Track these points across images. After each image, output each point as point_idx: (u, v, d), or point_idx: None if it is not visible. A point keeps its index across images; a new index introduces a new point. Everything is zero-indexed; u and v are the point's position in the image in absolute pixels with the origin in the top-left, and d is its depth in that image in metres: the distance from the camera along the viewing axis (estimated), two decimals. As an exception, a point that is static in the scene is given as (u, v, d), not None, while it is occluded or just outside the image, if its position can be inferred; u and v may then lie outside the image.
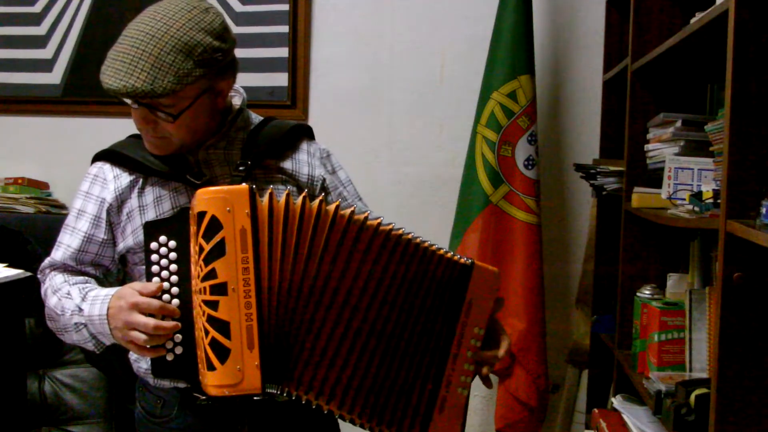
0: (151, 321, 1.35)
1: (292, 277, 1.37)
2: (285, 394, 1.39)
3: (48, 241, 1.60)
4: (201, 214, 1.36)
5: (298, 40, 2.99)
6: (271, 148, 1.59)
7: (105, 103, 3.06)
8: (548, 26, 2.89)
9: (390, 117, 3.00)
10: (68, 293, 1.49)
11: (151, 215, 1.52)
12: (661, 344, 1.92)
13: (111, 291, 1.44)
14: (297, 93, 3.00)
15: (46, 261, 1.57)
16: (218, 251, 1.35)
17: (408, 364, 1.44)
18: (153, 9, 1.45)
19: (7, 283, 2.00)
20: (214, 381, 1.35)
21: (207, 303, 1.35)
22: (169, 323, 1.36)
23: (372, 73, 3.00)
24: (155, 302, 1.37)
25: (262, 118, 1.67)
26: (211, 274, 1.35)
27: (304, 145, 1.65)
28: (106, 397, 2.56)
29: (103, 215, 1.54)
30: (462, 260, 1.47)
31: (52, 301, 1.51)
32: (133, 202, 1.53)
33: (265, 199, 1.37)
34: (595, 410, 2.22)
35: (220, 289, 1.35)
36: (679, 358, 1.91)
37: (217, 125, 1.57)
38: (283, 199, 1.37)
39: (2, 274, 2.01)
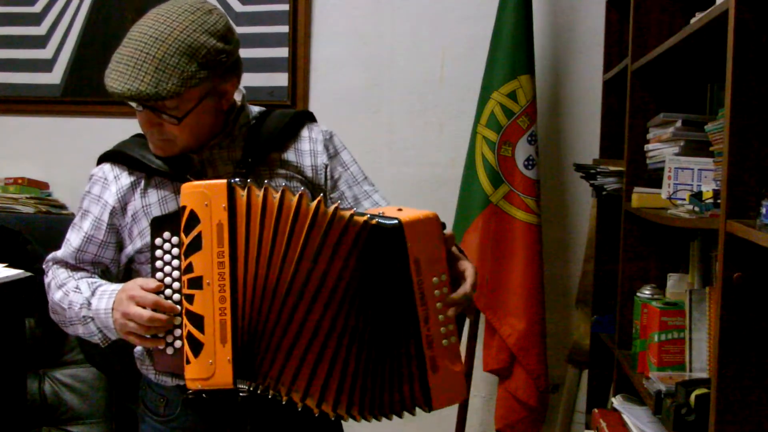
0: (146, 313, 1.38)
1: (268, 272, 1.36)
2: (255, 390, 1.39)
3: (48, 241, 1.61)
4: (182, 209, 1.38)
5: (298, 40, 2.99)
6: (271, 141, 1.58)
7: (105, 103, 3.07)
8: (548, 26, 2.89)
9: (390, 117, 3.00)
10: (77, 287, 1.51)
11: (156, 215, 1.52)
12: (661, 344, 1.92)
13: (118, 286, 1.47)
14: (297, 93, 3.00)
15: (51, 254, 1.60)
16: (195, 245, 1.37)
17: (383, 346, 1.39)
18: (156, 11, 1.45)
19: (7, 283, 2.00)
20: (189, 374, 1.37)
21: (186, 297, 1.37)
22: (162, 316, 1.38)
23: (372, 73, 3.00)
24: (150, 296, 1.39)
25: (261, 109, 1.65)
26: (189, 268, 1.37)
27: (306, 132, 1.63)
28: (106, 397, 2.56)
29: (105, 217, 1.55)
30: (390, 224, 1.38)
31: (57, 295, 1.53)
32: (136, 203, 1.54)
33: (244, 193, 1.37)
34: (595, 410, 2.22)
35: (196, 282, 1.37)
36: (679, 358, 1.91)
37: (221, 125, 1.56)
38: (261, 193, 1.36)
39: (2, 274, 2.01)
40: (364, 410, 1.40)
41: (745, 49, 1.34)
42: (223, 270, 1.36)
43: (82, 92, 3.13)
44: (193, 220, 1.37)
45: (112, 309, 1.43)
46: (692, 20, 1.75)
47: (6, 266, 2.08)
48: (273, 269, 1.36)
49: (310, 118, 1.67)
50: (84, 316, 1.48)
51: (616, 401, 2.12)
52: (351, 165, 1.67)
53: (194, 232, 1.37)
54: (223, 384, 1.36)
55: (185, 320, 1.37)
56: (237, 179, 1.40)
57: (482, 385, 2.95)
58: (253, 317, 1.37)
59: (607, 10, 2.78)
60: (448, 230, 1.47)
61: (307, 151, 1.62)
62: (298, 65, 2.99)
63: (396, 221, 1.38)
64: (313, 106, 3.01)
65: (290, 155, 1.60)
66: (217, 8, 1.50)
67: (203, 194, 1.37)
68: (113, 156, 1.58)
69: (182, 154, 1.53)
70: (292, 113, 1.66)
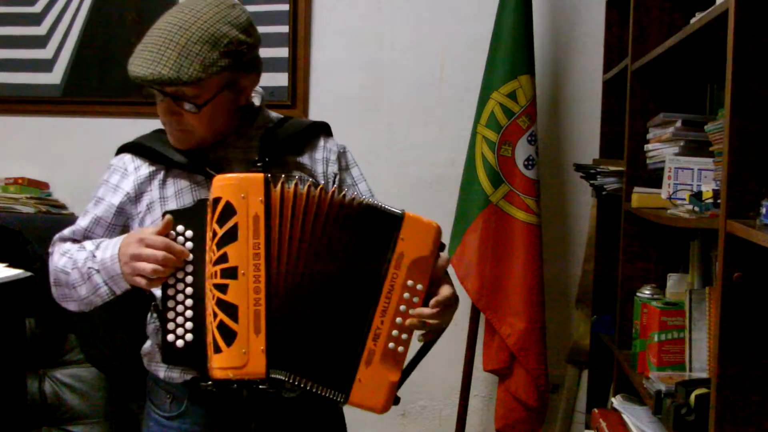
0: (159, 254, 1.39)
1: (297, 263, 1.42)
2: (290, 381, 1.41)
3: (48, 241, 1.61)
4: (216, 200, 1.41)
5: (298, 40, 2.99)
6: (288, 143, 1.62)
7: (105, 103, 3.07)
8: (548, 26, 2.89)
9: (390, 117, 2.99)
10: (81, 246, 1.53)
11: (172, 207, 1.54)
12: (661, 344, 1.92)
13: (122, 237, 1.48)
14: (297, 93, 3.00)
15: (58, 234, 1.61)
16: (230, 236, 1.40)
17: (343, 322, 1.45)
18: (181, 4, 1.50)
19: (7, 283, 2.00)
20: (219, 363, 1.38)
21: (217, 286, 1.39)
22: (174, 257, 1.39)
23: (372, 73, 2.99)
24: (161, 239, 1.40)
25: (281, 116, 1.70)
26: (223, 259, 1.40)
27: (321, 142, 1.67)
28: (106, 397, 2.56)
29: (116, 202, 1.57)
30: (392, 211, 1.46)
31: (60, 261, 1.54)
32: (153, 193, 1.56)
33: (278, 187, 1.42)
34: (595, 410, 2.22)
35: (231, 273, 1.39)
36: (679, 358, 1.91)
37: (237, 124, 1.60)
38: (292, 188, 1.42)
39: (2, 274, 2.00)
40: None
41: (745, 49, 1.34)
42: (258, 261, 1.39)
43: (82, 92, 3.13)
44: (229, 211, 1.40)
45: (119, 254, 1.44)
46: (692, 20, 1.75)
47: (6, 266, 2.07)
48: (300, 261, 1.42)
49: (326, 131, 1.71)
50: (89, 268, 1.48)
51: (616, 401, 2.12)
52: (360, 182, 1.71)
53: (230, 223, 1.40)
54: (256, 374, 1.39)
55: (217, 309, 1.39)
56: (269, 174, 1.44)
57: (482, 385, 2.95)
58: (285, 308, 1.41)
59: (607, 10, 2.78)
60: (446, 255, 1.52)
61: (320, 159, 1.66)
62: (298, 65, 2.99)
63: (400, 212, 1.45)
64: (313, 107, 3.01)
65: (305, 159, 1.64)
66: (239, 3, 1.54)
67: (239, 186, 1.41)
68: (134, 147, 1.60)
69: (199, 151, 1.55)
70: (309, 122, 1.71)
